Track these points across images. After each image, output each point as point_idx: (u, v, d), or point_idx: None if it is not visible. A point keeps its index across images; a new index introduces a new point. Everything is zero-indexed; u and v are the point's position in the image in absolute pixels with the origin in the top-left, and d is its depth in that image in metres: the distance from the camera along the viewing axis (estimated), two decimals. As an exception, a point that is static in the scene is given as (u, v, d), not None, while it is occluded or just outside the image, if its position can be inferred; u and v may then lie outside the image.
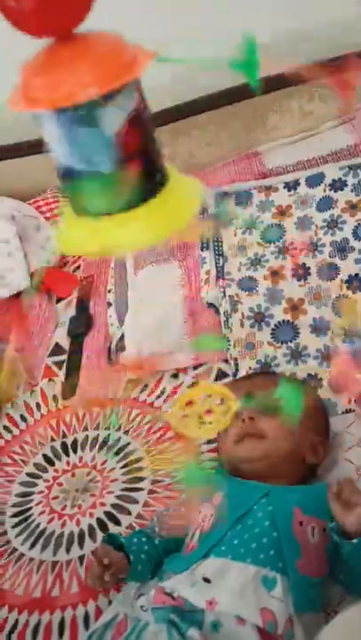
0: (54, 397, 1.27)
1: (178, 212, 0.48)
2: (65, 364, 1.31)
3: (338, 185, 1.25)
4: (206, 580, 0.80)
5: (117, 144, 0.43)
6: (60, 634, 0.93)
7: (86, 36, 0.42)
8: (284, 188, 1.30)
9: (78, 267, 1.48)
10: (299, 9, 1.36)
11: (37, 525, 1.08)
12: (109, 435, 1.15)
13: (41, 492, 1.13)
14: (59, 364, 1.32)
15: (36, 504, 1.11)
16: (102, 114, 0.42)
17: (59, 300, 1.43)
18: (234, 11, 1.32)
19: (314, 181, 1.28)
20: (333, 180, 1.25)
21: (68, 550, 1.03)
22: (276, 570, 0.80)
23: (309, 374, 1.12)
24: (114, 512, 1.06)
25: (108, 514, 1.06)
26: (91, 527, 1.05)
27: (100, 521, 1.05)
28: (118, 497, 1.08)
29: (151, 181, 0.47)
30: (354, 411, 1.06)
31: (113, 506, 1.07)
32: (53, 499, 1.11)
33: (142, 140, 0.45)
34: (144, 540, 0.91)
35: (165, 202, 0.47)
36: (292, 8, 1.36)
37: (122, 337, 1.26)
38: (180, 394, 1.17)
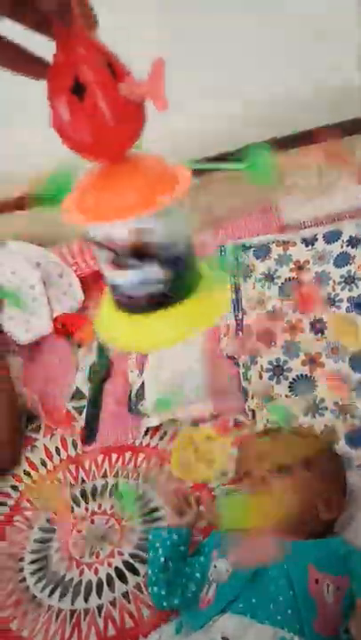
0: (73, 442, 1.29)
1: (209, 311, 0.53)
2: (85, 410, 1.33)
3: (355, 241, 1.28)
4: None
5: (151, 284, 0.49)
6: None
7: (134, 159, 0.47)
8: (302, 242, 1.34)
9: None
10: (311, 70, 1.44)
11: (56, 572, 1.09)
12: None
13: (60, 538, 1.14)
14: (79, 410, 1.34)
15: (55, 551, 1.12)
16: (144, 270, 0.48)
17: (79, 346, 1.46)
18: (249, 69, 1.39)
19: (331, 237, 1.32)
20: (351, 237, 1.29)
21: (86, 599, 1.04)
22: (294, 631, 0.80)
23: (326, 427, 1.14)
24: (132, 562, 1.07)
25: (126, 563, 1.07)
26: (109, 576, 1.06)
27: (118, 570, 1.06)
28: (136, 546, 1.09)
29: (183, 286, 0.51)
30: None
31: (131, 555, 1.08)
32: (72, 546, 1.12)
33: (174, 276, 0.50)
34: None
35: (198, 301, 0.52)
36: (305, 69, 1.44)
37: (142, 385, 1.29)
38: (178, 438, 1.20)
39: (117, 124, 0.44)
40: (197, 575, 0.93)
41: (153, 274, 0.49)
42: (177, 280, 0.50)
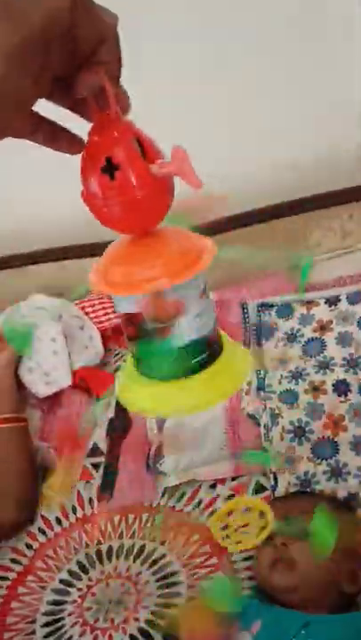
0: (90, 500, 1.27)
1: (230, 380, 0.53)
2: (102, 467, 1.32)
3: (378, 303, 1.28)
4: None
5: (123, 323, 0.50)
6: None
7: (161, 233, 0.49)
8: (325, 303, 1.34)
9: (118, 367, 1.52)
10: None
11: (69, 638, 1.05)
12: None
13: (74, 600, 1.11)
14: (96, 466, 1.33)
15: (69, 614, 1.09)
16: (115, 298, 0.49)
17: (98, 400, 1.46)
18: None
19: (354, 298, 1.32)
20: (374, 299, 1.29)
21: (99, 669, 1.00)
22: None
23: (350, 493, 1.11)
24: (147, 628, 1.04)
25: (141, 630, 1.04)
26: (123, 644, 1.02)
27: (133, 638, 1.03)
28: (153, 612, 1.06)
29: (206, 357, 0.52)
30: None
31: (147, 622, 1.05)
32: (86, 610, 1.09)
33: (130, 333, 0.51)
34: None
35: (220, 370, 0.52)
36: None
37: (160, 444, 1.27)
38: (222, 504, 1.16)
39: (146, 202, 0.45)
40: None
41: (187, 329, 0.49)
42: (201, 349, 0.51)
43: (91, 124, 0.46)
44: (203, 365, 0.52)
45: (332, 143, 1.50)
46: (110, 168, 0.45)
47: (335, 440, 1.16)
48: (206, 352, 0.52)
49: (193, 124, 1.30)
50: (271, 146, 1.47)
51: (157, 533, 1.15)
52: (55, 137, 0.48)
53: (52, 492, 1.28)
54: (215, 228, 1.50)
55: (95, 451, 1.36)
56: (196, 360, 0.51)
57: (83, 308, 1.57)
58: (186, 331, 0.50)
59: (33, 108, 0.44)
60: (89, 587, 1.13)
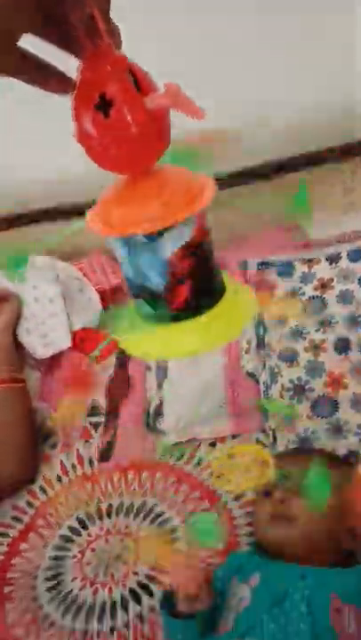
0: (90, 460, 1.28)
1: (234, 322, 0.52)
2: (102, 426, 1.32)
3: (380, 261, 1.27)
4: None
5: (170, 269, 0.48)
6: None
7: (160, 172, 0.46)
8: (326, 260, 1.32)
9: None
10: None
11: (70, 592, 1.07)
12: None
13: (74, 556, 1.12)
14: (95, 426, 1.33)
15: (69, 569, 1.10)
16: (159, 243, 0.47)
17: (98, 361, 1.45)
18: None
19: (356, 256, 1.30)
20: (376, 256, 1.27)
21: (99, 620, 1.02)
22: None
23: (350, 450, 1.11)
24: (147, 582, 1.05)
25: (141, 584, 1.05)
26: (123, 597, 1.04)
27: (132, 591, 1.04)
28: (152, 567, 1.07)
29: (203, 298, 0.50)
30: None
31: (146, 576, 1.06)
32: (87, 564, 1.10)
33: (194, 267, 0.49)
34: None
35: (223, 312, 0.51)
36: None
37: (160, 402, 1.27)
38: (228, 445, 1.17)
39: (144, 139, 0.43)
40: (215, 602, 0.91)
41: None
42: (203, 289, 0.49)
43: (81, 62, 0.44)
44: (208, 305, 0.50)
45: (333, 99, 1.46)
46: (104, 105, 0.43)
47: (335, 398, 1.16)
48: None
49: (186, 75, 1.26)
50: (271, 103, 1.43)
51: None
52: (44, 75, 0.45)
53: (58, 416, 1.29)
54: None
55: (95, 410, 1.36)
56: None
57: (81, 270, 1.55)
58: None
59: (20, 45, 0.42)
60: (89, 542, 1.14)
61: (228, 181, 1.47)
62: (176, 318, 0.49)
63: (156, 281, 0.48)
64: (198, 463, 1.19)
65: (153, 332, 0.51)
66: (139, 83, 0.44)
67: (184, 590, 0.87)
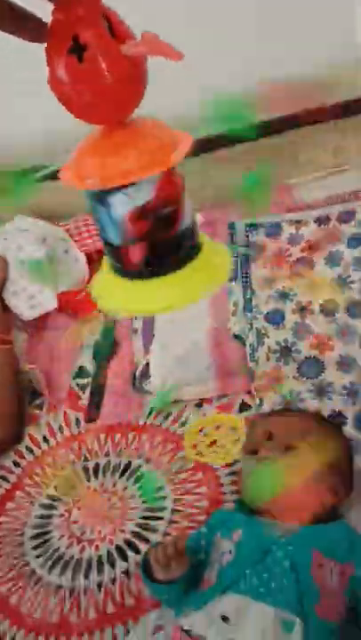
0: (77, 420, 1.28)
1: (209, 279, 0.51)
2: (89, 388, 1.32)
3: (369, 222, 1.26)
4: (225, 619, 0.80)
5: (122, 228, 0.47)
6: (76, 661, 0.94)
7: (134, 123, 0.45)
8: (315, 222, 1.31)
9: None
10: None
11: (57, 549, 1.08)
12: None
13: (61, 515, 1.13)
14: (82, 387, 1.33)
15: (56, 527, 1.12)
16: (112, 199, 0.46)
17: (84, 323, 1.44)
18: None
19: (344, 217, 1.29)
20: (365, 218, 1.26)
21: (86, 576, 1.03)
22: (296, 613, 0.79)
23: (334, 411, 1.12)
24: (134, 540, 1.06)
25: (127, 541, 1.06)
26: (110, 554, 1.05)
27: (118, 548, 1.06)
28: (138, 525, 1.08)
29: (164, 262, 0.49)
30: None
31: (132, 533, 1.07)
32: (73, 523, 1.12)
33: (150, 231, 0.48)
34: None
35: (197, 269, 0.50)
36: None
37: (147, 364, 1.27)
38: (191, 423, 1.18)
39: (118, 86, 0.41)
40: (200, 558, 0.93)
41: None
42: (176, 245, 0.48)
43: (53, 3, 0.42)
44: (184, 261, 0.50)
45: (323, 55, 1.42)
46: (78, 49, 0.42)
47: (321, 359, 1.16)
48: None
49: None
50: (260, 59, 1.40)
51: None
52: (16, 20, 0.43)
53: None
54: (199, 147, 1.45)
55: (82, 372, 1.36)
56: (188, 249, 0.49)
57: (68, 231, 1.53)
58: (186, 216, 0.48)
59: None
60: (75, 501, 1.15)
61: (216, 143, 1.44)
62: (136, 276, 0.49)
63: (112, 237, 0.48)
64: (184, 424, 1.20)
65: (125, 286, 0.50)
66: (113, 29, 0.42)
67: (155, 560, 0.87)
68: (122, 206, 0.46)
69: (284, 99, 1.41)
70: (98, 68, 0.41)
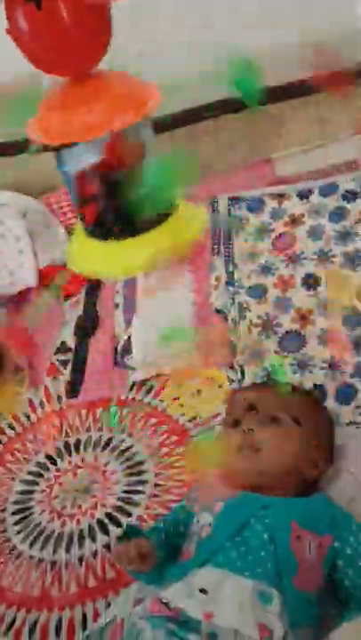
0: (58, 396, 1.28)
1: (182, 239, 0.50)
2: (70, 363, 1.32)
3: (351, 196, 1.25)
4: (203, 591, 0.80)
5: (75, 186, 0.46)
6: (57, 634, 0.94)
7: (101, 76, 0.44)
8: (297, 196, 1.30)
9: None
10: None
11: (38, 524, 1.08)
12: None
13: (42, 490, 1.13)
14: (64, 363, 1.32)
15: (37, 502, 1.11)
16: (66, 157, 0.45)
17: (66, 299, 1.44)
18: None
19: (327, 191, 1.28)
20: (347, 191, 1.25)
21: (67, 550, 1.03)
22: (273, 585, 0.79)
23: (315, 384, 1.11)
24: (115, 513, 1.06)
25: (108, 515, 1.06)
26: (91, 528, 1.05)
27: (100, 522, 1.06)
28: (119, 499, 1.08)
29: (124, 223, 0.48)
30: (358, 423, 1.06)
31: (114, 507, 1.07)
32: (54, 498, 1.11)
33: (101, 193, 0.47)
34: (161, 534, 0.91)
35: (171, 229, 0.49)
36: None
37: (128, 339, 1.26)
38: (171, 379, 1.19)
39: (79, 34, 0.40)
40: (180, 530, 0.93)
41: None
42: (137, 209, 0.47)
43: None
44: (155, 221, 0.49)
45: (312, 27, 1.40)
46: (37, -5, 0.40)
47: (302, 333, 1.16)
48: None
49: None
50: (248, 29, 1.37)
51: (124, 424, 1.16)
52: None
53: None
54: (184, 119, 1.43)
55: (63, 348, 1.35)
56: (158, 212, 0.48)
57: (49, 205, 1.51)
58: (151, 178, 0.46)
59: None
60: (57, 477, 1.15)
61: (196, 115, 1.43)
62: (104, 237, 0.48)
63: (71, 195, 0.47)
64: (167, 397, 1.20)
65: (102, 249, 0.49)
66: None
67: (117, 561, 0.91)
68: (73, 164, 0.45)
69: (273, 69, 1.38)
70: (57, 14, 0.40)
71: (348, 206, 1.23)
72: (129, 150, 0.45)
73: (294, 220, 1.27)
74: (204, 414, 1.14)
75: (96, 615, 0.93)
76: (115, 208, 0.47)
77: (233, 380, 1.17)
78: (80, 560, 1.02)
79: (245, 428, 0.95)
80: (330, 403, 1.09)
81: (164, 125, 1.39)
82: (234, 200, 1.33)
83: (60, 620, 0.95)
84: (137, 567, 0.85)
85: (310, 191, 1.29)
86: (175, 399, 1.18)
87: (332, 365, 1.12)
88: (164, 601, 0.80)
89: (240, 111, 1.40)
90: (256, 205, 1.31)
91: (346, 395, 1.09)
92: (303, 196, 1.29)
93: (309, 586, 0.81)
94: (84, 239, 0.50)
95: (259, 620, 0.76)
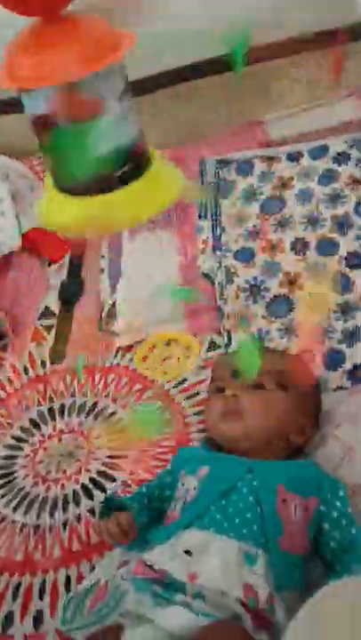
0: (42, 362, 1.26)
1: (156, 197, 0.48)
2: (54, 329, 1.29)
3: (342, 158, 1.22)
4: (188, 553, 0.79)
5: (35, 132, 0.43)
6: (41, 597, 0.93)
7: (72, 18, 0.41)
8: (287, 159, 1.27)
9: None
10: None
11: (22, 489, 1.07)
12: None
13: (26, 455, 1.12)
14: (48, 328, 1.30)
15: (21, 467, 1.10)
16: (24, 104, 0.42)
17: (50, 264, 1.41)
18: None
19: (317, 154, 1.25)
20: (338, 153, 1.23)
21: (51, 514, 1.02)
22: (259, 546, 0.79)
23: (303, 350, 1.10)
24: (99, 478, 1.05)
25: (92, 480, 1.05)
26: (75, 492, 1.04)
27: (84, 487, 1.05)
28: (104, 464, 1.07)
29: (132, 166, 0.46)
30: (346, 388, 1.06)
31: (98, 472, 1.06)
32: (39, 463, 1.10)
33: (53, 142, 0.44)
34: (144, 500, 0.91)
35: (145, 187, 0.47)
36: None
37: (113, 304, 1.24)
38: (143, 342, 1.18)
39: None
40: (166, 494, 0.92)
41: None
42: (123, 160, 0.45)
43: None
44: (126, 180, 0.46)
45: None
46: None
47: (290, 298, 1.14)
48: (128, 164, 0.46)
49: None
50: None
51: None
52: None
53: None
54: (168, 79, 1.39)
55: (47, 313, 1.33)
56: (117, 172, 0.45)
57: (32, 167, 1.47)
58: (104, 136, 0.44)
59: None
60: (41, 442, 1.13)
61: (183, 75, 1.38)
62: (71, 193, 0.45)
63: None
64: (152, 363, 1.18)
65: (72, 205, 0.47)
66: None
67: (100, 536, 0.90)
68: (29, 109, 0.42)
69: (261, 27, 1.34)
70: None
71: (339, 169, 1.21)
72: (80, 105, 0.42)
73: (284, 184, 1.24)
74: (189, 380, 1.13)
75: (80, 578, 0.93)
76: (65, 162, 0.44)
77: (219, 346, 1.16)
78: (64, 524, 1.01)
79: (229, 394, 0.93)
80: (317, 368, 1.08)
81: (149, 86, 1.36)
82: (222, 162, 1.30)
83: (43, 584, 0.94)
84: (118, 541, 0.86)
85: (300, 154, 1.26)
86: (160, 364, 1.16)
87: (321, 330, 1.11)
88: (148, 563, 0.80)
89: (227, 71, 1.36)
90: (245, 168, 1.29)
91: (334, 360, 1.08)
92: (293, 158, 1.27)
93: (295, 548, 0.81)
94: (54, 194, 0.47)
95: (244, 580, 0.76)
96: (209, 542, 0.80)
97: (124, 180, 0.47)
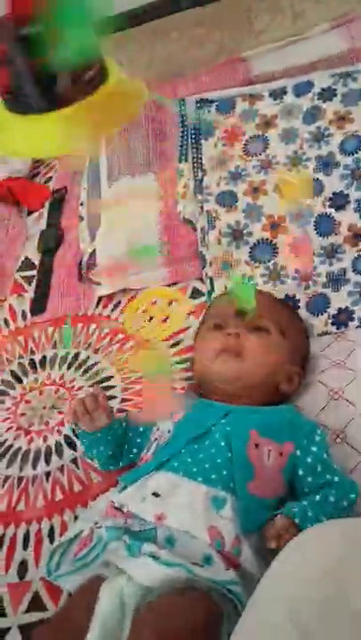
0: (23, 313, 1.23)
1: (112, 115, 0.44)
2: (35, 280, 1.26)
3: (327, 94, 1.16)
4: (156, 495, 0.79)
5: None
6: (25, 547, 0.93)
7: None
8: (270, 96, 1.21)
9: (50, 178, 1.41)
10: None
11: (4, 441, 1.06)
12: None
13: (8, 408, 1.10)
14: (28, 279, 1.27)
15: (3, 420, 1.09)
16: None
17: (29, 213, 1.37)
18: None
19: (302, 90, 1.19)
20: (323, 89, 1.17)
21: (34, 466, 1.02)
22: (227, 490, 0.78)
23: (287, 295, 1.07)
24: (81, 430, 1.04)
25: (75, 431, 1.04)
26: (58, 444, 1.03)
27: (67, 438, 1.04)
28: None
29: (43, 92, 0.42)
30: (331, 333, 1.03)
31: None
32: (21, 415, 1.09)
33: (10, 53, 0.40)
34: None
35: (100, 103, 0.43)
36: None
37: (93, 253, 1.20)
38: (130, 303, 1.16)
39: None
40: (141, 439, 0.92)
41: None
42: (54, 75, 0.41)
43: None
44: (95, 85, 0.42)
45: None
46: None
47: (274, 242, 1.11)
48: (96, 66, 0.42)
49: None
50: None
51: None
52: None
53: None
54: (149, 13, 1.32)
55: (27, 264, 1.29)
56: (87, 72, 0.42)
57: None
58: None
59: None
60: (22, 395, 1.12)
61: (160, 10, 1.31)
62: (18, 108, 0.42)
63: None
64: (134, 312, 1.16)
65: (25, 125, 0.43)
66: None
67: (76, 412, 0.93)
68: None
69: None
70: None
71: (324, 106, 1.15)
72: (41, 4, 0.38)
73: (267, 122, 1.19)
74: (172, 328, 1.11)
75: (64, 528, 0.93)
76: (28, 72, 0.40)
77: (202, 294, 1.13)
78: (47, 475, 1.00)
79: (232, 332, 0.91)
80: (302, 313, 1.05)
81: (128, 21, 1.29)
82: (202, 101, 1.25)
83: (27, 534, 0.94)
84: (88, 423, 0.92)
85: (284, 91, 1.20)
86: (142, 313, 1.14)
87: (304, 276, 1.08)
88: (117, 505, 0.80)
89: (208, 4, 1.29)
90: (226, 107, 1.23)
91: (318, 305, 1.05)
92: (276, 95, 1.21)
93: (266, 492, 0.80)
94: (4, 114, 0.43)
95: (210, 523, 0.76)
96: (178, 485, 0.79)
97: (92, 86, 0.43)
